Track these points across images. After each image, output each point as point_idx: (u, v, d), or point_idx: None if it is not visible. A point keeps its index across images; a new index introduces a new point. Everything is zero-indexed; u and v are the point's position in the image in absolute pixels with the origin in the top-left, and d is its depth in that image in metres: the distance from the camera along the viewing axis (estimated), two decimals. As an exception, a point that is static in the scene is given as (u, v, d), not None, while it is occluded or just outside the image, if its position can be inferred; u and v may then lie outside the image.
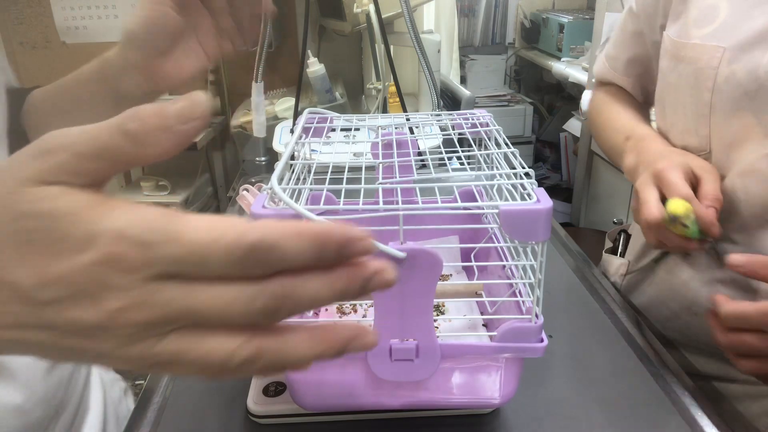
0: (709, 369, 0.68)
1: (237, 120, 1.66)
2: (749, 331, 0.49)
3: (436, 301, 0.58)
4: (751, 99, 0.57)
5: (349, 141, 0.62)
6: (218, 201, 2.22)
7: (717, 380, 0.68)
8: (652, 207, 0.58)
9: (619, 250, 0.85)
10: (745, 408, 0.65)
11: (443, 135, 0.64)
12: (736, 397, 0.66)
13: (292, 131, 0.73)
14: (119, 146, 0.25)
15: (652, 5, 0.72)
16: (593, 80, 1.88)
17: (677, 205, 0.56)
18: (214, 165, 2.18)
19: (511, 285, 0.55)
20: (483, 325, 0.63)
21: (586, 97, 1.87)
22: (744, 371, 0.52)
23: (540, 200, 0.44)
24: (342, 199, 0.55)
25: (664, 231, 0.58)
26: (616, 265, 0.83)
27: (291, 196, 0.44)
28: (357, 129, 0.70)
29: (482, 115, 0.65)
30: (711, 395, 0.68)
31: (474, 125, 0.64)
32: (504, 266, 0.59)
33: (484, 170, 0.62)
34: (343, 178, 0.51)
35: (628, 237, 0.84)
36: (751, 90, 0.57)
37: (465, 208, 0.66)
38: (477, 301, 0.67)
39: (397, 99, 1.26)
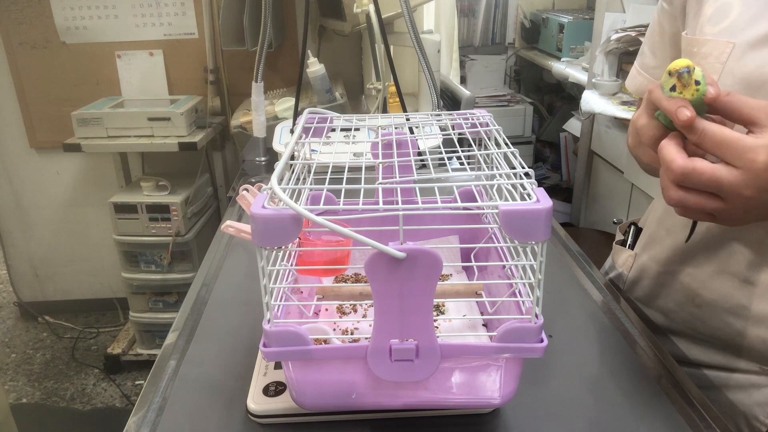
0: (710, 360, 0.69)
1: (237, 120, 1.66)
2: (698, 192, 0.51)
3: (436, 301, 0.58)
4: (753, 95, 0.57)
5: (349, 141, 0.62)
6: (218, 201, 2.23)
7: (717, 370, 0.68)
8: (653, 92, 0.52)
9: (629, 243, 0.85)
10: (744, 398, 0.65)
11: (443, 135, 0.64)
12: (736, 387, 0.66)
13: (292, 131, 0.73)
14: None
15: (681, 2, 0.70)
16: (594, 81, 1.90)
17: (679, 61, 0.49)
18: (214, 165, 2.18)
19: (511, 285, 0.55)
20: (483, 325, 0.63)
21: (586, 97, 1.87)
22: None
23: (540, 200, 0.44)
24: (342, 199, 0.55)
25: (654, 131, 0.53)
26: (624, 256, 0.83)
27: (291, 196, 0.44)
28: (357, 129, 0.70)
29: (482, 115, 0.65)
30: (710, 386, 0.69)
31: (474, 125, 0.64)
32: (504, 266, 0.59)
33: (484, 170, 0.62)
34: (343, 178, 0.51)
35: (638, 230, 0.84)
36: (754, 85, 0.57)
37: (465, 208, 0.66)
38: (477, 301, 0.67)
39: (397, 99, 1.26)
